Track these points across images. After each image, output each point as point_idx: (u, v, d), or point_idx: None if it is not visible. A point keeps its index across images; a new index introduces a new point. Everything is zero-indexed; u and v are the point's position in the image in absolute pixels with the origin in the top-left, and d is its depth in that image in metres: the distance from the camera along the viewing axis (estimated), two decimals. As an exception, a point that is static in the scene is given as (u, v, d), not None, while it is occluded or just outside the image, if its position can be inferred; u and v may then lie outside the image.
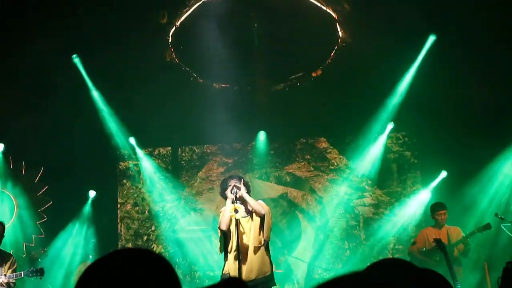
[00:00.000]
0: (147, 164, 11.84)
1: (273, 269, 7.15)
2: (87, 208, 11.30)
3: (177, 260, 11.36)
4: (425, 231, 9.15)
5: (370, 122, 11.11)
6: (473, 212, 10.30)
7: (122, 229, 11.80)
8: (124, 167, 12.00)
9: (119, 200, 11.91)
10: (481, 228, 8.67)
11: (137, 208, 11.88)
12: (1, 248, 7.87)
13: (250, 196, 7.13)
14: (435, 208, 9.04)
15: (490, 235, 9.25)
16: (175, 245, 11.60)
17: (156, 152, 12.02)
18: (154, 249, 11.55)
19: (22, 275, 7.63)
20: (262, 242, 7.03)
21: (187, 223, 11.65)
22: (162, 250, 11.55)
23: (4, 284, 7.44)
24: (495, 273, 9.02)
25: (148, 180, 11.88)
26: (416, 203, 10.92)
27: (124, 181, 11.98)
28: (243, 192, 7.03)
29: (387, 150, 11.39)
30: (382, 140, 11.30)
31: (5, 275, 7.52)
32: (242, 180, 7.23)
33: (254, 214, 7.06)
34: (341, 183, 11.48)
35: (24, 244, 10.60)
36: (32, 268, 7.82)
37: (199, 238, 11.42)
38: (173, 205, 11.75)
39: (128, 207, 11.89)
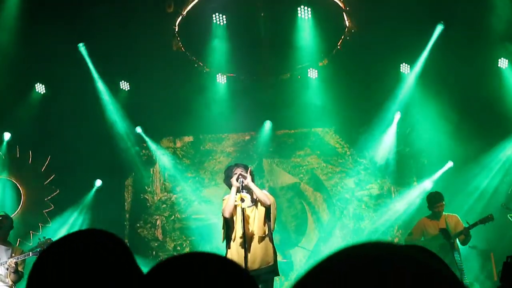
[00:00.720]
0: (156, 154, 11.86)
1: (277, 260, 7.10)
2: (90, 196, 11.29)
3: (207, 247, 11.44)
4: (422, 221, 8.91)
5: (379, 113, 11.10)
6: (474, 197, 10.31)
7: (131, 216, 11.84)
8: (134, 157, 11.99)
9: (131, 190, 11.94)
10: (483, 219, 8.42)
11: (152, 198, 11.91)
12: (10, 241, 7.90)
13: (255, 185, 7.11)
14: (434, 199, 8.72)
15: (496, 226, 9.19)
16: (193, 233, 11.66)
17: (162, 142, 12.00)
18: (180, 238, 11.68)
19: (31, 255, 7.58)
20: (267, 232, 7.00)
21: (199, 212, 11.68)
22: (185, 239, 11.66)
23: (13, 265, 7.43)
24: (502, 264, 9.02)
25: (157, 170, 11.89)
26: (417, 193, 10.92)
27: (135, 171, 11.98)
28: (249, 181, 6.97)
29: (395, 141, 11.35)
30: (390, 131, 11.26)
31: (12, 256, 7.54)
32: (249, 168, 7.18)
33: (259, 204, 7.03)
34: (349, 175, 11.51)
35: (31, 232, 10.64)
36: (40, 247, 7.74)
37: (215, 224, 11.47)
38: (182, 195, 11.77)
39: (141, 196, 11.94)
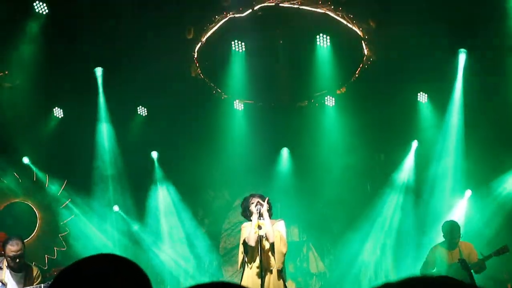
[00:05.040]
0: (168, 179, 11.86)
1: None
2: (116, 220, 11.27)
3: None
4: (436, 250, 8.65)
5: (396, 141, 11.07)
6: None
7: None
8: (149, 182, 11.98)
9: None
10: (498, 251, 8.20)
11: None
12: (27, 263, 7.59)
13: (270, 217, 6.98)
14: (455, 231, 8.50)
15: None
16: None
17: (177, 167, 11.94)
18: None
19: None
20: (275, 267, 6.85)
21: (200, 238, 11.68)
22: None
23: None
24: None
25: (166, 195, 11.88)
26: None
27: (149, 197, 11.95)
28: (264, 210, 6.87)
29: (413, 169, 11.28)
30: (408, 160, 11.20)
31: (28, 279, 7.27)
32: (267, 199, 7.06)
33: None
34: (366, 199, 11.47)
35: (46, 256, 10.60)
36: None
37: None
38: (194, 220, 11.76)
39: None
